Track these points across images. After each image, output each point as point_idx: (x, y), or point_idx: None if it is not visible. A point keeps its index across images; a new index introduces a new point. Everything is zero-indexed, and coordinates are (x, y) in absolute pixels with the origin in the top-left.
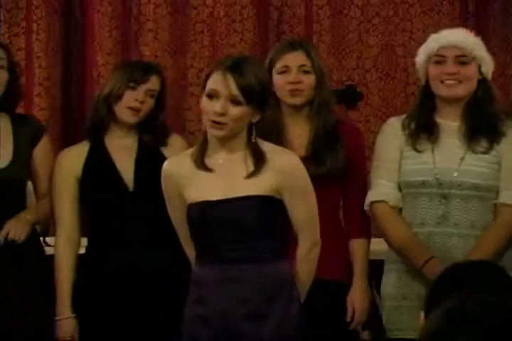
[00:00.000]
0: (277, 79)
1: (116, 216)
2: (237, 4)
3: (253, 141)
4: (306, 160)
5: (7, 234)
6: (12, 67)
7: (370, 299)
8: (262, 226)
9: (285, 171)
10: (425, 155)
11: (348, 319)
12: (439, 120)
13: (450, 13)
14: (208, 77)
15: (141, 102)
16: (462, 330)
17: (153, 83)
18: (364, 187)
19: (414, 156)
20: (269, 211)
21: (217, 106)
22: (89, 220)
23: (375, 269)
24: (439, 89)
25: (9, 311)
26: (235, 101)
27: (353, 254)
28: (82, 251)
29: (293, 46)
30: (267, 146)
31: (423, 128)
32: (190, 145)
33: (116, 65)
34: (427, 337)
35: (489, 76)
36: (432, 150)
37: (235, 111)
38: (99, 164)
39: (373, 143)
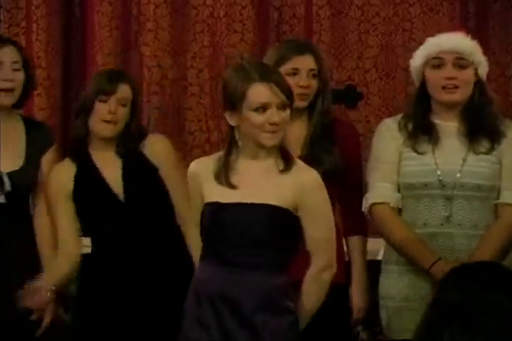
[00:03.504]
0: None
1: (111, 227)
2: (237, 4)
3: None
4: (302, 159)
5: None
6: (26, 65)
7: (369, 298)
8: (270, 237)
9: (306, 187)
10: (426, 156)
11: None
12: (436, 121)
13: (450, 13)
14: (240, 92)
15: (114, 113)
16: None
17: (123, 91)
18: (360, 185)
19: (415, 158)
20: (280, 223)
21: (273, 117)
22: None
23: (372, 269)
24: (440, 95)
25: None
26: (284, 107)
27: (351, 252)
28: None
29: (302, 49)
30: (296, 161)
31: (421, 130)
32: (189, 145)
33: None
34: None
35: (484, 77)
36: (433, 152)
37: (284, 116)
38: (88, 179)
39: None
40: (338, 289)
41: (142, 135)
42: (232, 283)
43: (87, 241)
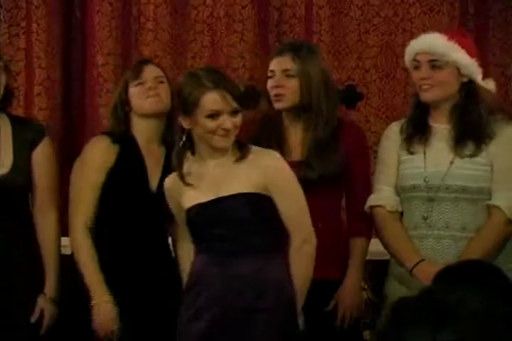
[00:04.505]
0: (267, 84)
1: (135, 214)
2: (237, 4)
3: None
4: (298, 164)
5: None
6: (6, 67)
7: (361, 295)
8: (252, 222)
9: (268, 168)
10: (418, 159)
11: (339, 315)
12: (431, 124)
13: (450, 13)
14: (193, 99)
15: (155, 87)
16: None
17: (153, 70)
18: (366, 186)
19: (409, 161)
20: (257, 207)
21: (225, 123)
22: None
23: (375, 269)
24: (420, 94)
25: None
26: (235, 112)
27: (351, 252)
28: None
29: (281, 50)
30: (252, 148)
31: (417, 132)
32: None
33: None
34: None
35: (476, 77)
36: (424, 154)
37: (236, 121)
38: (131, 161)
39: (374, 143)
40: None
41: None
42: (228, 272)
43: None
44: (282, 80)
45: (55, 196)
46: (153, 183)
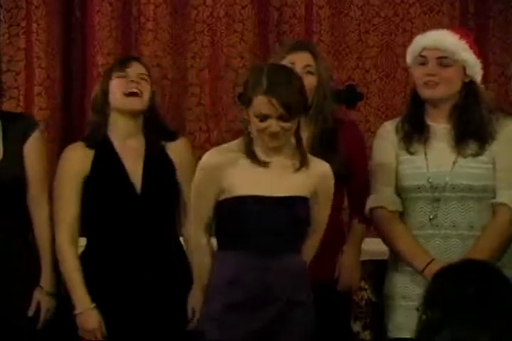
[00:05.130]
0: None
1: (122, 218)
2: (237, 4)
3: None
4: None
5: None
6: None
7: (359, 268)
8: (297, 226)
9: (323, 176)
10: (419, 159)
11: (339, 287)
12: (429, 123)
13: (450, 13)
14: (246, 94)
15: (137, 83)
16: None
17: (138, 67)
18: (367, 186)
19: (409, 161)
20: (304, 211)
21: (272, 126)
22: (88, 221)
23: (375, 269)
24: (421, 91)
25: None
26: (283, 118)
27: (351, 232)
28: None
29: (299, 46)
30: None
31: (415, 131)
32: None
33: None
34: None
35: (477, 78)
36: (425, 154)
37: (285, 126)
38: (107, 164)
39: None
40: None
41: (170, 130)
42: (266, 269)
43: (83, 241)
44: (303, 75)
45: (46, 188)
46: (137, 184)
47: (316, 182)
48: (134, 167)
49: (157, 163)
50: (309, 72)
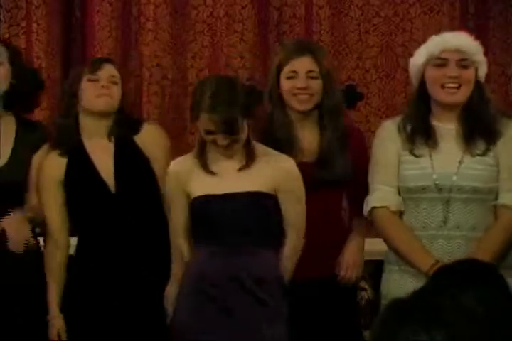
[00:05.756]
0: (286, 84)
1: (100, 218)
2: (237, 4)
3: (250, 144)
4: (315, 165)
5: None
6: (17, 64)
7: (362, 256)
8: (257, 219)
9: (284, 171)
10: (423, 160)
11: (343, 272)
12: (435, 123)
13: (450, 13)
14: (193, 109)
15: (107, 87)
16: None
17: (109, 70)
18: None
19: (413, 161)
20: (263, 206)
21: (219, 140)
22: (76, 222)
23: (375, 269)
24: (439, 95)
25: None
26: (226, 133)
27: (353, 229)
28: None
29: (300, 50)
30: (267, 149)
31: (420, 132)
32: (189, 145)
33: None
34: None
35: (483, 78)
36: (430, 155)
37: (233, 138)
38: (79, 167)
39: None
40: (344, 288)
41: (137, 122)
42: (232, 264)
43: (74, 241)
44: (307, 81)
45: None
46: (110, 183)
47: (276, 177)
48: (106, 165)
49: (127, 158)
50: (313, 78)
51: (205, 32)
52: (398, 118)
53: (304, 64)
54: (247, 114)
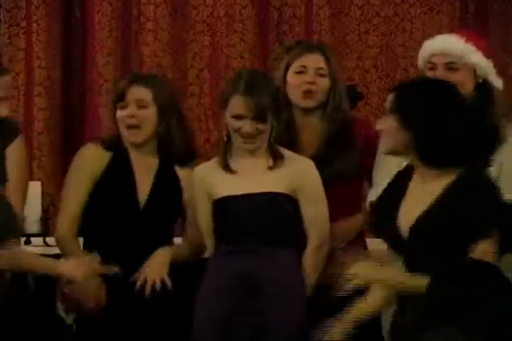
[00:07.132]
0: (293, 79)
1: (120, 230)
2: (237, 4)
3: (273, 146)
4: (313, 160)
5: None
6: None
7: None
8: (277, 219)
9: (299, 173)
10: None
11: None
12: None
13: (450, 13)
14: (223, 96)
15: (132, 116)
16: None
17: (137, 93)
18: None
19: None
20: (283, 206)
21: (246, 127)
22: (87, 223)
23: None
24: None
25: None
26: (256, 119)
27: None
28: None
29: (312, 48)
30: (286, 152)
31: None
32: None
33: None
34: None
35: (491, 78)
36: None
37: (259, 127)
38: (120, 172)
39: None
40: None
41: (186, 158)
42: (251, 264)
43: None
44: (316, 77)
45: (21, 195)
46: (142, 197)
47: (294, 179)
48: (144, 181)
49: (166, 182)
50: (322, 75)
51: (205, 32)
52: None
53: (314, 60)
54: (275, 110)
